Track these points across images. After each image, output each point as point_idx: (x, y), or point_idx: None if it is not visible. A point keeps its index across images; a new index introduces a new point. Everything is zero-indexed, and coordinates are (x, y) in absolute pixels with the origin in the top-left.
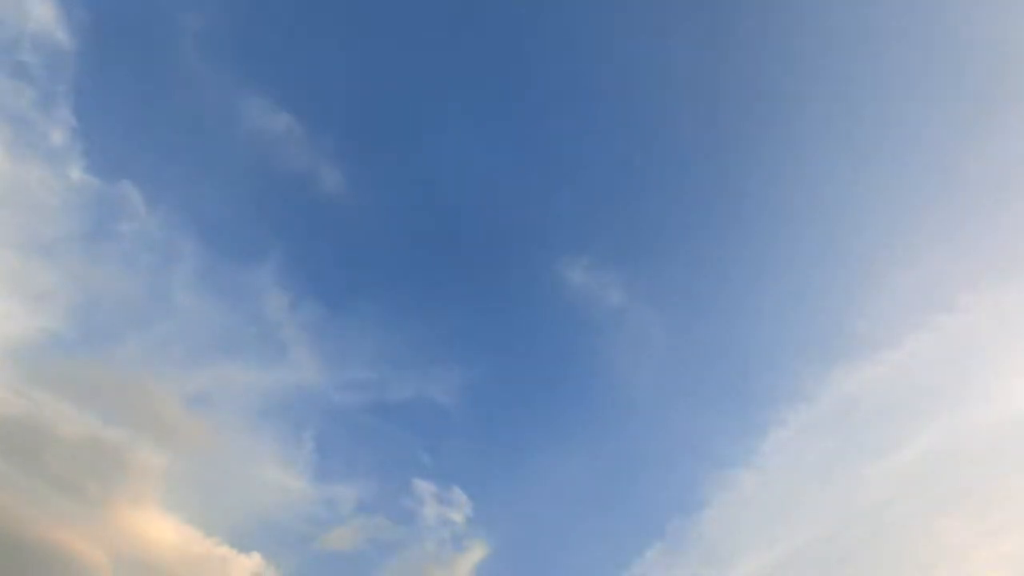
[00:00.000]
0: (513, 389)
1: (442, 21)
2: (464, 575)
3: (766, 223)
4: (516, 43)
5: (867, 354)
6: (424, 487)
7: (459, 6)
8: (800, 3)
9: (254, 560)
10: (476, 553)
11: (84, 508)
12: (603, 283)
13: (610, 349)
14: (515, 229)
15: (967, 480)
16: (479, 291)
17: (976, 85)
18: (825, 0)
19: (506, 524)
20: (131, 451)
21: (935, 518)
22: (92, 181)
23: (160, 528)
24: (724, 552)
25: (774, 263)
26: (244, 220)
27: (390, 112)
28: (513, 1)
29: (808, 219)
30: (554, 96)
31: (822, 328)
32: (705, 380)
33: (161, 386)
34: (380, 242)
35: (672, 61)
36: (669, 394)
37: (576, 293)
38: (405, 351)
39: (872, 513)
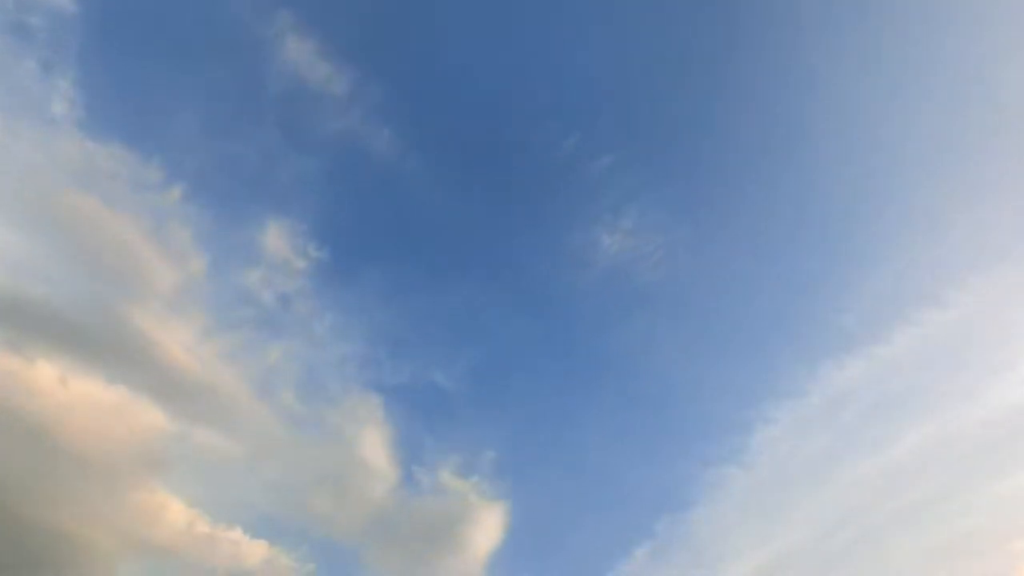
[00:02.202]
0: (507, 379)
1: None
2: (468, 562)
3: (752, 217)
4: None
5: (856, 349)
6: (422, 473)
7: None
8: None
9: (261, 546)
10: (481, 542)
11: (88, 482)
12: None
13: (609, 343)
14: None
15: (960, 477)
16: (496, 269)
17: (961, 82)
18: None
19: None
20: (134, 415)
21: (928, 516)
22: (98, 148)
23: (168, 510)
24: (714, 552)
25: (761, 258)
26: (260, 185)
27: (430, 73)
28: None
29: (795, 212)
30: (589, 62)
31: (809, 322)
32: (693, 376)
33: (166, 355)
34: (403, 209)
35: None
36: (660, 388)
37: (580, 284)
38: (409, 330)
39: (864, 512)
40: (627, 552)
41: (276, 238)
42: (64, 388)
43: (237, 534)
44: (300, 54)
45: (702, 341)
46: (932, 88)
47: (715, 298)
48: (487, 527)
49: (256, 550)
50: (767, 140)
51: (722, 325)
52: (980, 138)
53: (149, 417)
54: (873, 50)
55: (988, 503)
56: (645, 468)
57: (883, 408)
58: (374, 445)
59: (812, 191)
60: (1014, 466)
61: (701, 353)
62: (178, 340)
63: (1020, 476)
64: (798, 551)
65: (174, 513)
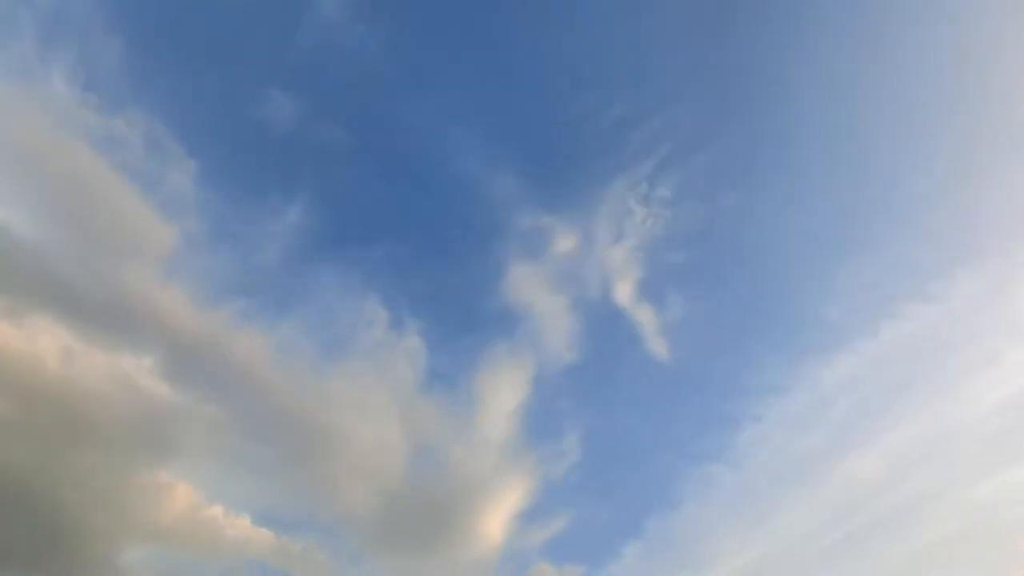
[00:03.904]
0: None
1: None
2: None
3: (736, 207)
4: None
5: (842, 345)
6: (435, 450)
7: None
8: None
9: (267, 534)
10: (496, 524)
11: (92, 462)
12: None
13: (615, 330)
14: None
15: (949, 475)
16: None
17: (948, 78)
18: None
19: None
20: (140, 389)
21: (916, 515)
22: (100, 120)
23: (173, 492)
24: (702, 551)
25: (745, 250)
26: (281, 153)
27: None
28: None
29: (779, 204)
30: (634, 27)
31: (794, 317)
32: (680, 373)
33: (174, 326)
34: (429, 181)
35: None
36: (656, 380)
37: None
38: (424, 304)
39: (852, 510)
40: (616, 552)
41: (293, 208)
42: (68, 361)
43: (244, 520)
44: (332, 14)
45: (701, 332)
46: (919, 84)
47: (730, 284)
48: (501, 507)
49: (263, 537)
50: (749, 135)
51: (723, 315)
52: (966, 133)
53: (155, 391)
54: (860, 47)
55: (977, 502)
56: (639, 461)
57: (869, 405)
58: (385, 422)
59: (793, 183)
60: (1003, 464)
61: (697, 345)
62: (186, 311)
63: (1009, 474)
64: (786, 550)
65: (180, 496)
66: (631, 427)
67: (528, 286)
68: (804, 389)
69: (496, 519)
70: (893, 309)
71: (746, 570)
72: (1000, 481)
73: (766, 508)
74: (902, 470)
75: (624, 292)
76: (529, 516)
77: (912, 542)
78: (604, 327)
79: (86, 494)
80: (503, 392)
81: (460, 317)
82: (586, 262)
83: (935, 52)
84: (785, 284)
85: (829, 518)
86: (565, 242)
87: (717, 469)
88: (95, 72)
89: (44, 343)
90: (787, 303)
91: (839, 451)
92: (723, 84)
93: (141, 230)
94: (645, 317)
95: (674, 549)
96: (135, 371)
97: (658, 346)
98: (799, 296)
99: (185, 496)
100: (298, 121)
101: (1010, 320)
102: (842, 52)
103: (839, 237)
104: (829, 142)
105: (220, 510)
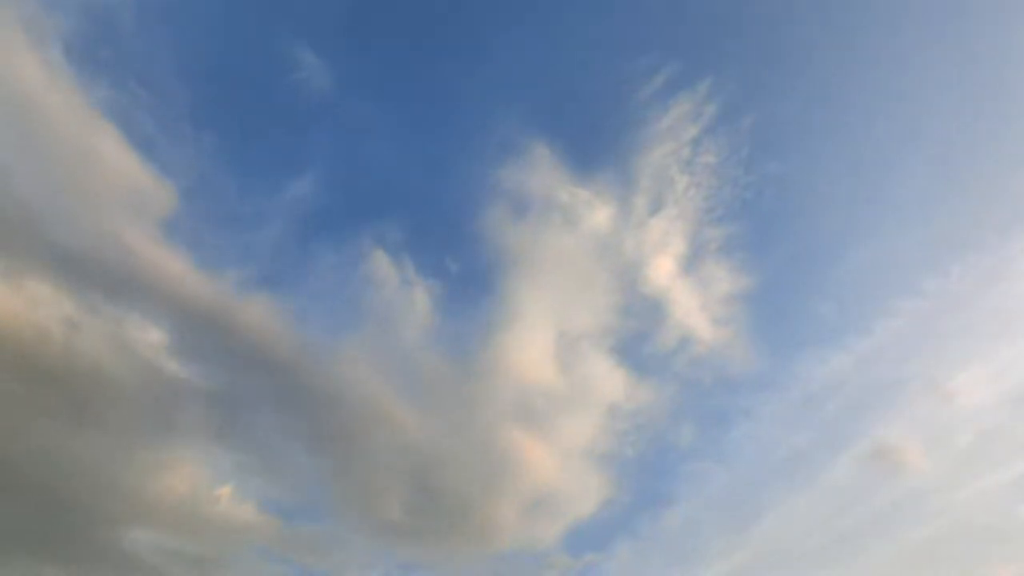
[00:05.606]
0: None
1: None
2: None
3: (782, 178)
4: None
5: (836, 341)
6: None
7: None
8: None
9: (273, 520)
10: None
11: (95, 441)
12: None
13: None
14: None
15: (944, 473)
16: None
17: (940, 74)
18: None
19: None
20: (144, 361)
21: (912, 514)
22: (106, 80)
23: (178, 476)
24: (694, 550)
25: (782, 228)
26: (286, 132)
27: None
28: None
29: (771, 199)
30: None
31: (788, 312)
32: (703, 358)
33: (181, 295)
34: (455, 157)
35: None
36: (671, 365)
37: None
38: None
39: (845, 509)
40: (607, 550)
41: (307, 175)
42: (70, 332)
43: (251, 505)
44: None
45: (730, 316)
46: (912, 79)
47: (765, 263)
48: (519, 490)
49: (271, 523)
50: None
51: (749, 300)
52: (957, 127)
53: (161, 364)
54: (858, 43)
55: (973, 500)
56: (646, 453)
57: (864, 401)
58: (399, 402)
59: (785, 176)
60: (998, 461)
61: (726, 328)
62: (193, 282)
63: (1005, 472)
64: (778, 549)
65: (185, 478)
66: (649, 412)
67: (559, 257)
68: (797, 386)
69: (513, 503)
70: (888, 304)
71: (737, 570)
72: (996, 479)
73: (757, 506)
74: (898, 468)
75: (662, 266)
76: (546, 502)
77: (907, 540)
78: (635, 302)
79: (88, 474)
80: (528, 367)
81: (484, 291)
82: (622, 233)
83: (931, 49)
84: (789, 275)
85: (821, 517)
86: (601, 212)
87: (709, 466)
88: (102, 30)
89: (45, 313)
90: (789, 294)
91: (833, 448)
92: (773, 44)
93: (145, 195)
94: (680, 294)
95: (666, 548)
96: (140, 344)
97: (691, 326)
98: (794, 292)
99: (190, 478)
100: (326, 84)
101: (1004, 315)
102: (835, 50)
103: (834, 233)
104: (823, 138)
105: (227, 493)
